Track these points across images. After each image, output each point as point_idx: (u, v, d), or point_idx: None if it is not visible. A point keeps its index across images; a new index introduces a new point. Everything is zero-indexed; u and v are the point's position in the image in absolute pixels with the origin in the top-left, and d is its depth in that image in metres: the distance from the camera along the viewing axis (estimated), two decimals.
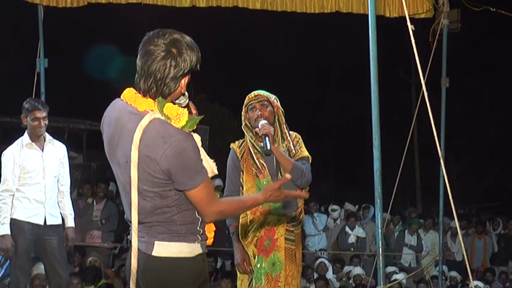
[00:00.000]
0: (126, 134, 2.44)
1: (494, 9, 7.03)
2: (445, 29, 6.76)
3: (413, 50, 4.14)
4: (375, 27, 4.52)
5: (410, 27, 4.19)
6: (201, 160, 2.47)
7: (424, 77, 4.49)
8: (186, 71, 2.45)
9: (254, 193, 3.71)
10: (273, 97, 4.02)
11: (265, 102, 3.95)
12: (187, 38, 2.47)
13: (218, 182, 7.58)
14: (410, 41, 4.15)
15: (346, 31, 16.43)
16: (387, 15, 6.62)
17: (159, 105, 2.43)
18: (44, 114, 4.90)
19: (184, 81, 2.50)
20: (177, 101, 2.55)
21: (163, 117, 2.42)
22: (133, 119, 2.43)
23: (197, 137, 2.51)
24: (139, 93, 2.48)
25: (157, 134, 2.38)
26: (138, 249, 2.50)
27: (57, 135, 5.17)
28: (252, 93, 4.01)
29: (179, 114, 2.42)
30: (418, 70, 4.37)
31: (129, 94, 2.51)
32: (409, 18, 4.31)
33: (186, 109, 2.47)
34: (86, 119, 14.81)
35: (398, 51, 19.52)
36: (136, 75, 2.47)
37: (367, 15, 4.61)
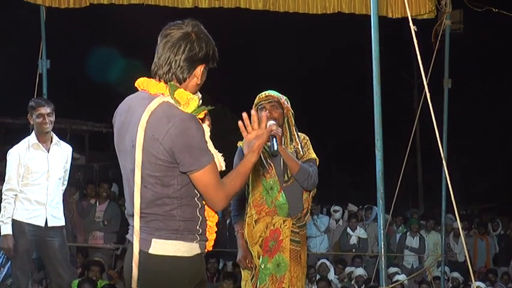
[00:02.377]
0: (135, 118, 2.45)
1: (496, 10, 7.02)
2: (448, 30, 6.76)
3: (415, 50, 4.13)
4: (377, 28, 4.52)
5: (412, 27, 4.18)
6: (206, 142, 2.46)
7: (426, 77, 4.48)
8: (201, 56, 2.49)
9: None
10: (283, 98, 4.02)
11: (275, 103, 3.95)
12: (206, 31, 2.55)
13: None
14: (413, 41, 4.15)
15: (348, 32, 16.43)
16: (390, 15, 6.62)
17: (171, 89, 2.44)
18: (49, 110, 4.88)
19: (199, 70, 2.51)
20: None
21: (172, 101, 2.43)
22: (144, 103, 2.45)
23: (206, 128, 2.51)
24: (154, 78, 2.52)
25: (163, 114, 2.39)
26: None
27: (59, 136, 5.16)
28: (263, 93, 4.00)
29: (189, 99, 2.43)
30: (420, 71, 4.36)
31: (142, 80, 2.55)
32: (412, 18, 4.30)
33: (197, 96, 2.48)
34: (88, 120, 14.86)
35: (400, 51, 19.51)
36: (153, 63, 2.51)
37: (370, 15, 4.61)
